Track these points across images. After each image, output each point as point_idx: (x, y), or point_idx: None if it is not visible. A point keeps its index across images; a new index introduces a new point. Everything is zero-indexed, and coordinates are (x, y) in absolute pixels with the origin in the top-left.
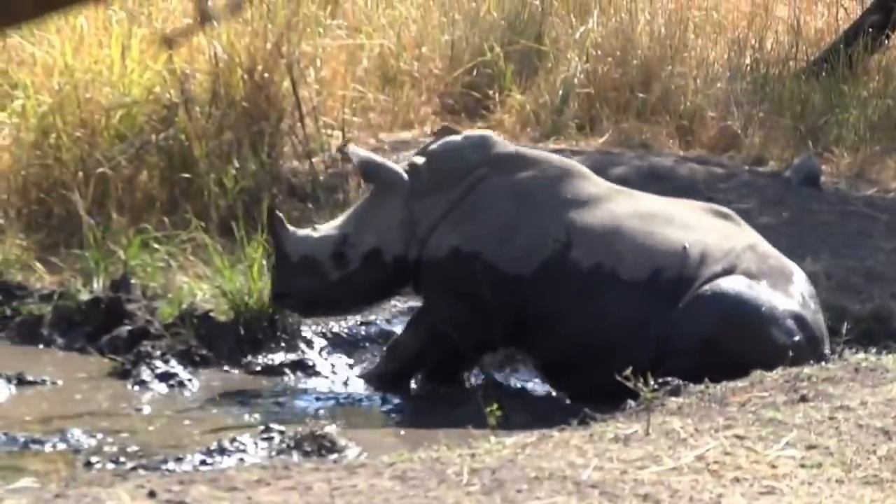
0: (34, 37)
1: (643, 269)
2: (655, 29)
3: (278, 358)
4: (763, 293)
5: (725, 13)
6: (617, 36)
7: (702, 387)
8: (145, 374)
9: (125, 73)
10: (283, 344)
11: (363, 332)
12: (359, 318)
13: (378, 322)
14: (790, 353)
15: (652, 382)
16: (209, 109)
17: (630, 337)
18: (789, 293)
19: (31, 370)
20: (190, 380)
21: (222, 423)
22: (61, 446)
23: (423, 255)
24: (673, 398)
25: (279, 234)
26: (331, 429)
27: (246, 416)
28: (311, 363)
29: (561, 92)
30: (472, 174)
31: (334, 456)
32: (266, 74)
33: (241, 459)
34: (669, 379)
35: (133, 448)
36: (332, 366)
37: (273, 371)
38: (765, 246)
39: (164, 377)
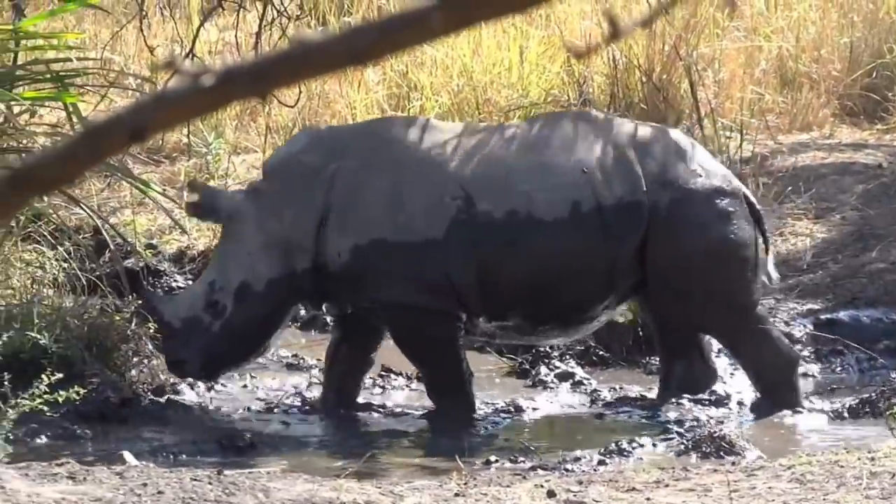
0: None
1: (561, 206)
2: None
3: None
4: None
5: None
6: None
7: None
8: (544, 373)
9: (523, 75)
10: None
11: None
12: None
13: None
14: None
15: None
16: (607, 111)
17: (574, 273)
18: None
19: None
20: (588, 379)
21: (620, 424)
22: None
23: (329, 269)
24: None
25: (154, 306)
26: (729, 430)
27: (644, 417)
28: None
29: None
30: (322, 174)
31: (732, 458)
32: (664, 76)
33: (640, 460)
34: None
35: (532, 447)
36: (730, 367)
37: None
38: (638, 129)
39: (563, 377)
